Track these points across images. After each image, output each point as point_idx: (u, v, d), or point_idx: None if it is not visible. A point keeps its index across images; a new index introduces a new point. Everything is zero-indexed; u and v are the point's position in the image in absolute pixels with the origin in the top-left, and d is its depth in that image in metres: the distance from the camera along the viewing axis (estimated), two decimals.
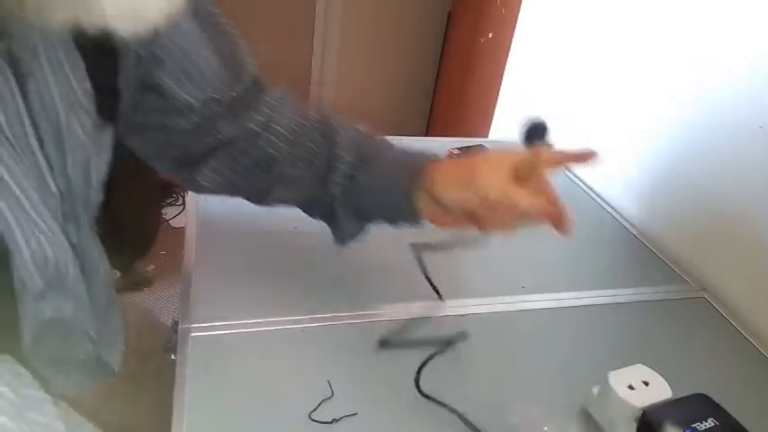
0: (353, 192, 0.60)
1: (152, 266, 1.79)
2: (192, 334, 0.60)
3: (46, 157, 0.42)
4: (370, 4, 2.11)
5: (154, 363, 0.68)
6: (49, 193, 0.43)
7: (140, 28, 0.33)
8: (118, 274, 1.53)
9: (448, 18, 2.12)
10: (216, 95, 0.56)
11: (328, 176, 0.60)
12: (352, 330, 0.63)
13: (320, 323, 0.64)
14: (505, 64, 1.41)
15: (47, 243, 0.42)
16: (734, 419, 0.50)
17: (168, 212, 2.03)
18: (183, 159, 0.59)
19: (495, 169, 0.53)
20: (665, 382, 0.53)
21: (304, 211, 0.65)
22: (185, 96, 0.54)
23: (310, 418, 0.52)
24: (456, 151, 1.01)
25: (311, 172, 0.60)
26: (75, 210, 0.46)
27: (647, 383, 0.52)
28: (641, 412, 0.51)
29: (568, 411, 0.57)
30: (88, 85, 0.44)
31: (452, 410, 0.53)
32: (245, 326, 0.62)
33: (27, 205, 0.40)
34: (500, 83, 1.45)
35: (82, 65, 0.43)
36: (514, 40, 1.37)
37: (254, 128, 0.59)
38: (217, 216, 0.78)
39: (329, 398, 0.54)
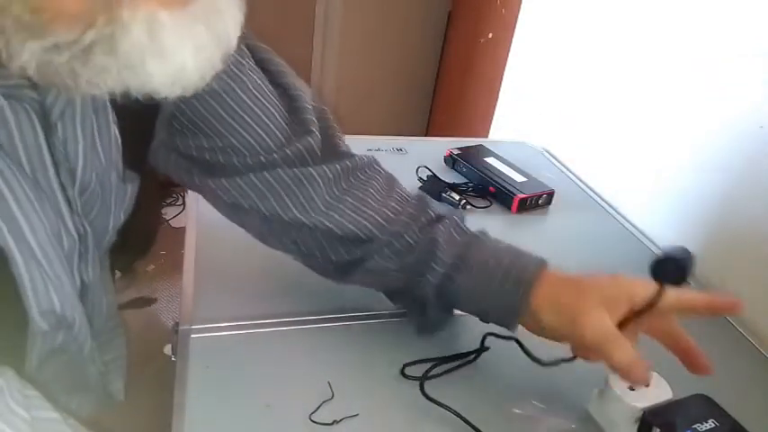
0: (449, 292, 0.55)
1: (152, 266, 1.79)
2: (193, 335, 0.60)
3: (67, 199, 0.42)
4: (370, 4, 2.10)
5: (154, 364, 0.68)
6: (68, 235, 0.43)
7: (184, 91, 0.34)
8: (118, 274, 1.53)
9: (448, 18, 2.12)
10: (268, 154, 0.53)
11: (423, 276, 0.55)
12: (353, 331, 0.63)
13: (321, 324, 0.64)
14: (505, 64, 1.41)
15: (54, 293, 0.41)
16: (734, 420, 0.51)
17: (168, 212, 2.04)
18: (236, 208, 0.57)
19: (603, 308, 0.49)
20: (666, 383, 0.53)
21: (387, 297, 0.62)
22: (245, 143, 0.53)
23: (311, 419, 0.52)
24: (456, 151, 1.01)
25: (402, 265, 0.56)
26: (90, 250, 0.46)
27: (647, 384, 0.52)
28: (642, 413, 0.51)
29: (568, 412, 0.57)
30: (118, 139, 0.44)
31: (455, 413, 0.53)
32: (246, 327, 0.62)
33: (39, 254, 0.39)
34: (500, 83, 1.45)
35: (113, 119, 0.43)
36: (514, 40, 1.37)
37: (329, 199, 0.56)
38: (217, 216, 0.78)
39: (329, 399, 0.54)
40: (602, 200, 1.00)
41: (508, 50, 1.40)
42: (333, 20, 2.12)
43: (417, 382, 0.56)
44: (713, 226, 0.81)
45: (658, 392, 0.52)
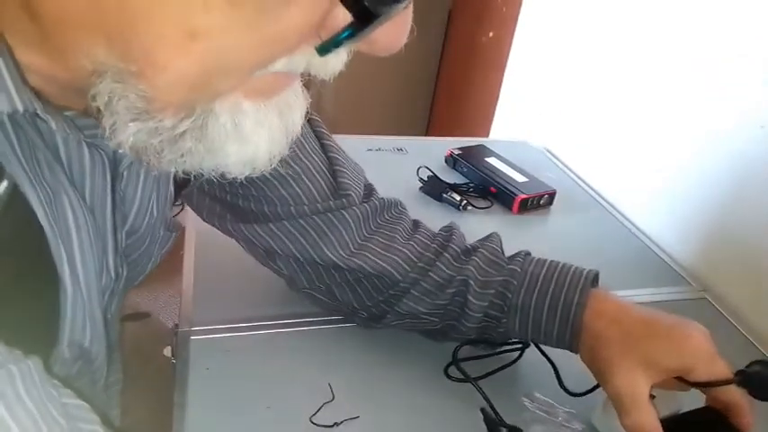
0: (495, 332, 0.56)
1: None
2: (193, 337, 0.60)
3: (116, 240, 0.43)
4: None
5: (154, 366, 0.68)
6: (107, 273, 0.44)
7: (253, 173, 0.36)
8: None
9: (448, 17, 2.12)
10: (300, 206, 0.55)
11: (458, 321, 0.56)
12: (354, 333, 0.63)
13: (321, 326, 0.64)
14: (506, 63, 1.41)
15: (88, 328, 0.42)
16: None
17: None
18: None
19: (641, 370, 0.47)
20: (674, 394, 0.51)
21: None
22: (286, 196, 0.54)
23: (311, 421, 0.52)
24: (457, 151, 1.01)
25: (434, 307, 0.56)
26: (121, 289, 0.47)
27: (653, 396, 0.51)
28: None
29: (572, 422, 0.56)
30: (172, 195, 0.48)
31: (479, 389, 0.53)
32: (246, 329, 0.62)
33: (84, 288, 0.41)
34: (500, 82, 1.44)
35: (171, 178, 0.47)
36: (515, 39, 1.37)
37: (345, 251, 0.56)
38: None
39: (330, 401, 0.54)
40: (604, 200, 0.99)
41: (509, 49, 1.40)
42: None
43: (417, 383, 0.55)
44: (714, 226, 0.81)
45: (666, 404, 0.50)
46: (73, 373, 0.45)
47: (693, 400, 0.52)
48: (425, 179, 0.93)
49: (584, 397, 0.55)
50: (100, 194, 0.41)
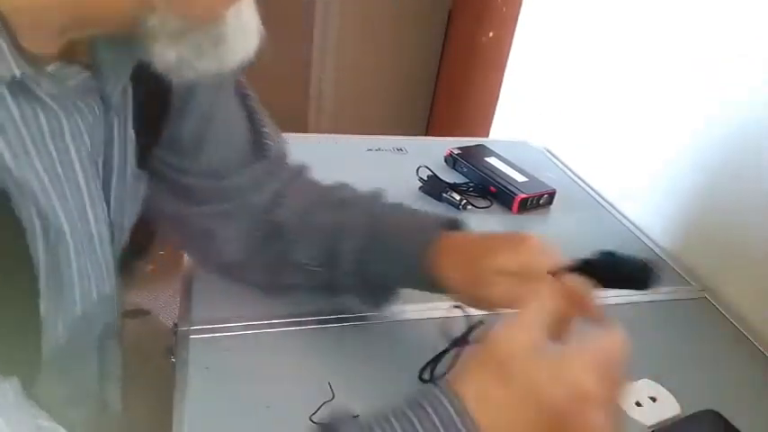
0: (366, 273, 0.58)
1: (151, 267, 1.78)
2: (192, 336, 0.60)
3: (90, 196, 0.43)
4: (370, 4, 2.10)
5: (153, 365, 0.68)
6: (101, 222, 0.45)
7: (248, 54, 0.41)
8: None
9: (448, 17, 2.12)
10: (241, 167, 0.58)
11: (337, 262, 0.58)
12: (353, 332, 0.63)
13: (321, 325, 0.63)
14: (506, 63, 1.41)
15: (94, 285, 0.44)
16: None
17: None
18: (198, 225, 0.59)
19: (494, 277, 0.49)
20: (673, 398, 0.51)
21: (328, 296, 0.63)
22: (216, 162, 0.56)
23: (311, 420, 0.52)
24: (456, 151, 1.01)
25: (319, 253, 0.59)
26: (106, 255, 0.47)
27: (654, 399, 0.51)
28: None
29: None
30: (134, 140, 0.47)
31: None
32: (245, 328, 0.62)
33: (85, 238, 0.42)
34: (500, 82, 1.44)
35: (132, 114, 0.46)
36: (515, 38, 1.37)
37: (269, 200, 0.59)
38: None
39: (330, 400, 0.54)
40: (604, 199, 0.99)
41: (509, 49, 1.40)
42: (332, 19, 2.11)
43: (417, 384, 0.55)
44: (714, 226, 0.81)
45: (665, 409, 0.51)
46: (67, 349, 0.45)
47: (693, 401, 0.52)
48: (425, 179, 0.93)
49: None
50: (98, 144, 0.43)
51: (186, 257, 0.71)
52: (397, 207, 0.61)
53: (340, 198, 0.61)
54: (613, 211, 0.96)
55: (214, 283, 0.67)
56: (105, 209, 0.45)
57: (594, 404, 0.35)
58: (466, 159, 0.99)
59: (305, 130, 2.29)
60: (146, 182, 0.52)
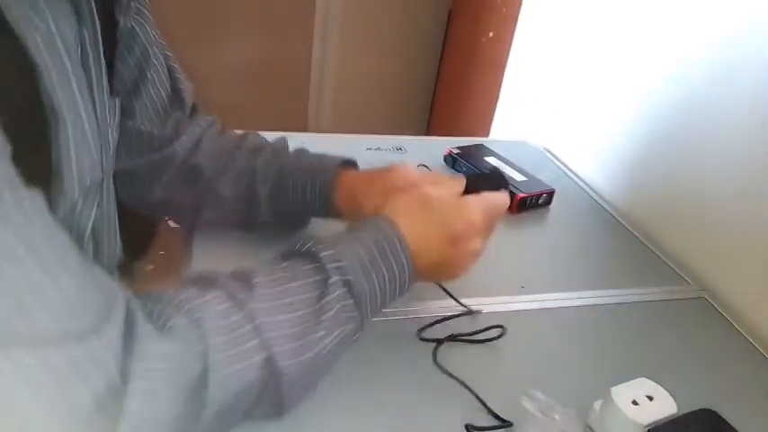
0: (278, 208, 0.68)
1: (151, 267, 1.78)
2: None
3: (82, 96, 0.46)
4: (370, 4, 2.10)
5: None
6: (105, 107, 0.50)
7: None
8: (116, 274, 1.53)
9: (448, 17, 2.12)
10: (165, 113, 0.65)
11: (254, 199, 0.67)
12: None
13: None
14: (506, 63, 1.41)
15: (89, 165, 0.47)
16: None
17: None
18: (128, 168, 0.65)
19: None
20: (670, 397, 0.51)
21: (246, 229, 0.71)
22: (150, 106, 0.63)
23: (311, 419, 0.52)
24: (456, 150, 1.01)
25: (238, 189, 0.67)
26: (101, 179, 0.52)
27: (651, 398, 0.50)
28: (646, 431, 0.49)
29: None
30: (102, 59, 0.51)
31: (467, 387, 0.55)
32: None
33: (85, 118, 0.46)
34: (500, 82, 1.45)
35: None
36: (515, 38, 1.37)
37: (190, 146, 0.67)
38: None
39: (329, 399, 0.54)
40: (603, 199, 0.99)
41: (509, 49, 1.40)
42: (333, 19, 2.12)
43: (417, 384, 0.55)
44: (715, 226, 0.81)
45: (662, 407, 0.50)
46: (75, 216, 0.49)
47: (690, 400, 0.52)
48: None
49: (582, 397, 0.55)
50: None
51: (186, 257, 0.71)
52: (302, 151, 0.70)
53: (253, 145, 0.70)
54: (613, 211, 0.96)
55: None
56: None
57: (477, 233, 0.54)
58: (465, 159, 0.99)
59: (305, 130, 2.29)
60: (119, 102, 0.55)
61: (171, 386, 0.37)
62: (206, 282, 0.45)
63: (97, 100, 0.48)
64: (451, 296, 0.65)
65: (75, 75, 0.44)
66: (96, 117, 0.48)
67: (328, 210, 0.66)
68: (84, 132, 0.45)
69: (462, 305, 0.66)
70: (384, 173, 0.63)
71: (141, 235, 1.47)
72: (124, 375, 0.34)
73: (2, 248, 0.30)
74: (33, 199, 0.33)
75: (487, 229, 0.56)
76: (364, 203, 0.60)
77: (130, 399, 0.34)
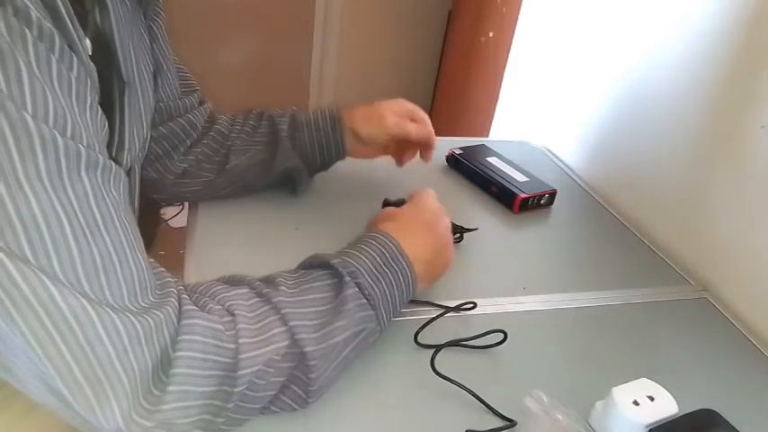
0: (297, 147, 0.78)
1: None
2: None
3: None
4: (370, 4, 2.10)
5: None
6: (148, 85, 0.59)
7: None
8: None
9: (448, 17, 2.12)
10: (182, 96, 0.72)
11: (277, 139, 0.77)
12: None
13: None
14: (506, 63, 1.41)
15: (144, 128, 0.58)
16: None
17: (167, 212, 2.03)
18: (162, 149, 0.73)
19: (395, 112, 0.81)
20: (671, 397, 0.51)
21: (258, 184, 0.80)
22: (168, 88, 0.69)
23: (311, 418, 0.52)
24: (458, 151, 1.01)
25: (260, 136, 0.78)
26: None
27: (652, 398, 0.50)
28: (647, 431, 0.50)
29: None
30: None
31: (468, 389, 0.54)
32: None
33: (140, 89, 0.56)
34: (500, 82, 1.44)
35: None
36: (515, 38, 1.37)
37: (207, 112, 0.76)
38: (217, 216, 0.78)
39: (329, 398, 0.54)
40: (603, 200, 0.99)
41: (509, 49, 1.40)
42: (332, 19, 2.11)
43: (416, 385, 0.55)
44: (715, 226, 0.81)
45: (663, 407, 0.50)
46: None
47: (691, 400, 0.52)
48: None
49: (583, 397, 0.55)
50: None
51: (186, 257, 0.71)
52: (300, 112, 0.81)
53: (257, 111, 0.80)
54: (613, 211, 0.96)
55: None
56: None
57: (441, 213, 0.66)
58: (467, 159, 0.99)
59: None
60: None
61: (206, 361, 0.42)
62: (234, 281, 0.52)
63: (145, 75, 0.57)
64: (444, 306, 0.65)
65: (135, 51, 0.53)
66: (149, 89, 0.57)
67: (341, 133, 0.78)
68: (145, 102, 0.55)
69: (459, 308, 0.66)
70: (381, 102, 0.81)
71: (141, 235, 1.47)
72: (173, 344, 0.41)
73: (105, 217, 0.38)
74: (122, 176, 0.40)
75: (441, 209, 0.67)
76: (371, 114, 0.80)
77: (175, 364, 0.41)
